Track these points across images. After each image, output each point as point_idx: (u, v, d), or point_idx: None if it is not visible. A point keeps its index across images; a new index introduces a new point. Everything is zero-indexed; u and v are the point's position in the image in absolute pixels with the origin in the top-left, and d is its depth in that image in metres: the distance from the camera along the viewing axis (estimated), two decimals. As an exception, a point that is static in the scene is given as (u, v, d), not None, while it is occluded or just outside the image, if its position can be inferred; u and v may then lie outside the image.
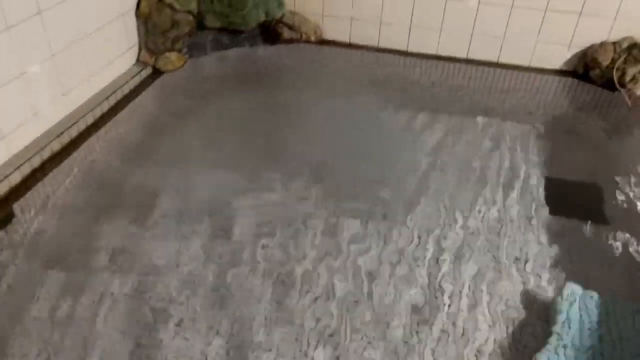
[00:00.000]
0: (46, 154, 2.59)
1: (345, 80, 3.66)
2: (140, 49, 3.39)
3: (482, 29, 3.69)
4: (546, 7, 3.50)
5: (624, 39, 3.43)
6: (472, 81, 3.68)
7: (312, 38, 3.95)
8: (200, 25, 3.67)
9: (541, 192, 2.66)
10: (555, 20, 3.52)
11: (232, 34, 3.78)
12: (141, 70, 3.34)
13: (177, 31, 3.45)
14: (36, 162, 2.54)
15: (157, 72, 3.45)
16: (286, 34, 3.89)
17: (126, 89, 3.18)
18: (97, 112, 2.95)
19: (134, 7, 3.28)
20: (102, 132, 2.91)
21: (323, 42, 4.00)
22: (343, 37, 3.99)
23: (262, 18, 3.76)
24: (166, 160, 2.76)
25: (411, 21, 3.78)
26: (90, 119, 2.89)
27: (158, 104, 3.29)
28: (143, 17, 3.31)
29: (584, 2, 3.41)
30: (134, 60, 3.39)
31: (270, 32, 3.87)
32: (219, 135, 3.02)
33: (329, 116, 3.25)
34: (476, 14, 3.64)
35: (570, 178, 2.80)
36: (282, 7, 3.84)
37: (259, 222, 2.38)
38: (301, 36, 3.94)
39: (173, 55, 3.48)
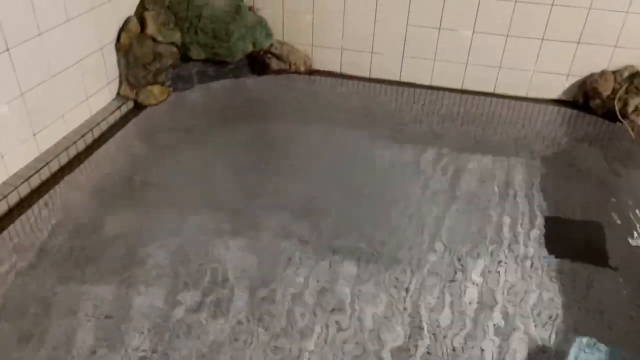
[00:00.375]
0: (13, 199, 2.41)
1: (336, 111, 3.52)
2: (120, 83, 3.24)
3: (477, 59, 3.56)
4: (543, 36, 3.38)
5: (625, 67, 3.31)
6: (467, 112, 3.54)
7: (302, 68, 3.82)
8: (184, 57, 3.53)
9: (542, 233, 2.50)
10: (552, 49, 3.40)
11: (218, 65, 3.64)
12: (121, 105, 3.19)
13: (160, 63, 3.31)
14: (2, 208, 2.36)
15: (139, 107, 3.30)
16: (274, 64, 3.75)
17: (104, 126, 3.02)
18: (72, 152, 2.78)
19: (114, 39, 3.14)
20: (77, 172, 2.74)
21: (313, 72, 3.86)
22: (333, 67, 3.86)
23: (249, 49, 3.62)
24: (149, 202, 2.59)
25: (403, 51, 3.66)
26: (64, 159, 2.72)
27: (139, 140, 3.13)
28: (123, 50, 3.17)
29: (582, 30, 3.30)
30: (113, 95, 3.23)
31: (258, 63, 3.74)
32: (204, 172, 2.86)
33: (319, 150, 3.09)
34: (470, 43, 3.52)
35: (573, 216, 2.65)
36: (269, 38, 3.71)
37: (247, 267, 2.21)
38: (290, 67, 3.80)
39: (156, 89, 3.32)
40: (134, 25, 3.20)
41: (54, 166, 2.67)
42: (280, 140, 3.18)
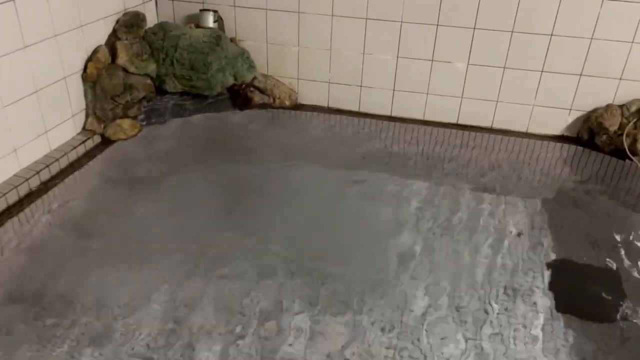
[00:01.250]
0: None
1: (323, 148, 3.25)
2: (87, 116, 2.99)
3: (473, 92, 3.33)
4: (542, 68, 3.16)
5: (632, 101, 3.07)
6: (463, 149, 3.27)
7: (287, 103, 3.59)
8: (159, 89, 3.30)
9: (548, 283, 2.19)
10: (553, 82, 3.18)
11: (196, 98, 3.40)
12: (86, 140, 2.92)
13: (131, 96, 3.07)
14: None
15: (106, 142, 3.03)
16: (257, 98, 3.52)
17: (64, 162, 2.75)
18: (23, 190, 2.49)
19: (80, 69, 2.91)
20: (27, 213, 2.44)
21: (299, 107, 3.63)
22: (321, 102, 3.62)
23: (230, 82, 3.40)
24: (109, 252, 2.26)
25: (394, 84, 3.43)
26: (12, 198, 2.43)
27: (103, 179, 2.83)
28: (90, 81, 2.93)
29: (585, 62, 3.08)
30: (79, 129, 2.97)
31: (239, 97, 3.51)
32: (174, 216, 2.55)
33: (302, 190, 2.80)
34: (465, 76, 3.29)
35: (582, 262, 2.34)
36: (252, 70, 3.49)
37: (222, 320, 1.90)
38: (274, 101, 3.57)
39: (126, 123, 3.07)
40: (103, 55, 2.98)
41: (2, 205, 2.37)
42: (262, 180, 2.89)
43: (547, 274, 2.25)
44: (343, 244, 2.42)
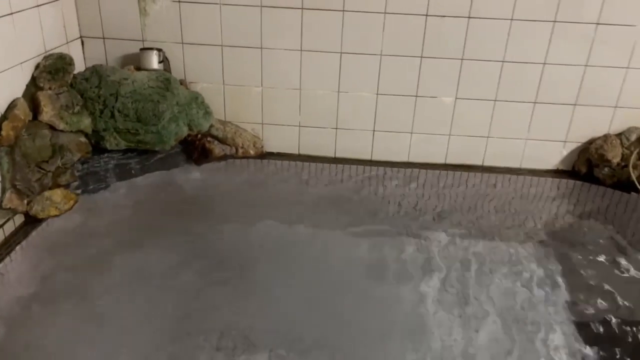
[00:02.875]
0: None
1: (296, 203, 2.75)
2: (3, 191, 2.28)
3: (462, 128, 3.01)
4: (535, 99, 2.91)
5: (629, 130, 2.89)
6: (453, 190, 2.93)
7: (252, 152, 3.07)
8: (97, 148, 2.66)
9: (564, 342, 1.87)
10: (546, 114, 2.93)
11: (142, 155, 2.79)
12: (4, 223, 2.22)
13: (63, 160, 2.41)
14: None
15: (32, 221, 2.34)
16: (218, 150, 2.97)
17: (-24, 257, 2.04)
18: None
19: (-8, 131, 2.23)
20: None
21: (265, 155, 3.12)
22: (290, 149, 3.14)
23: (185, 132, 2.83)
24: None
25: (374, 124, 3.04)
26: None
27: (29, 273, 2.15)
28: (7, 145, 2.24)
29: (579, 91, 2.86)
30: (-7, 209, 2.26)
31: (196, 150, 2.93)
32: (118, 314, 1.95)
33: (272, 260, 2.30)
34: (453, 111, 2.97)
35: (599, 316, 2.05)
36: (209, 117, 2.95)
37: None
38: (237, 151, 3.04)
39: (56, 194, 2.40)
40: (22, 111, 2.31)
41: None
42: (225, 247, 2.35)
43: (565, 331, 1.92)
44: (344, 320, 1.95)
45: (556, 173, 3.07)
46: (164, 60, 2.88)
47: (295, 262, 2.29)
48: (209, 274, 2.17)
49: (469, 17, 2.75)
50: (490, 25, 2.74)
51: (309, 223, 2.56)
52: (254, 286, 2.13)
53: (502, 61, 2.82)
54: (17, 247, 2.19)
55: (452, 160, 3.10)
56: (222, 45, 2.90)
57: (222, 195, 2.81)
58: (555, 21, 2.71)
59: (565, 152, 3.03)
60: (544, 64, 2.81)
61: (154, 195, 2.76)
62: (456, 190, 2.94)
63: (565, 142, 3.01)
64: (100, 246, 2.30)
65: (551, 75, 2.84)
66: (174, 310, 1.98)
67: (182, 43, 2.91)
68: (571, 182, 3.01)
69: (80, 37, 2.91)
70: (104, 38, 2.93)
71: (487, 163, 3.10)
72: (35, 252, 2.22)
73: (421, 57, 2.85)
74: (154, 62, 2.84)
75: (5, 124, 2.22)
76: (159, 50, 2.85)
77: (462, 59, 2.84)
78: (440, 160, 3.10)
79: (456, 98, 2.93)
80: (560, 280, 2.23)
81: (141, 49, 2.85)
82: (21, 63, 2.39)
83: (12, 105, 2.30)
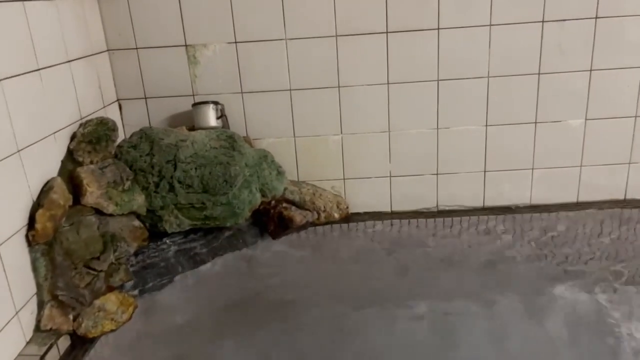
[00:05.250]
0: None
1: (409, 278, 2.12)
2: (40, 307, 1.66)
3: (596, 156, 2.42)
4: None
5: None
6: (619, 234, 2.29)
7: (336, 215, 2.46)
8: (152, 232, 2.06)
9: None
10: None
11: (208, 234, 2.19)
12: (46, 352, 1.58)
13: (116, 254, 1.80)
14: None
15: (82, 342, 1.70)
16: (299, 217, 2.36)
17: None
18: None
19: (22, 226, 1.63)
20: None
21: (351, 217, 2.51)
22: (380, 206, 2.54)
23: (259, 201, 2.23)
24: None
25: (485, 163, 2.45)
26: None
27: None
28: (43, 242, 1.65)
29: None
30: (29, 333, 1.63)
31: (272, 220, 2.33)
32: None
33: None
34: (584, 137, 2.38)
35: None
36: (281, 178, 2.37)
37: None
38: (319, 216, 2.43)
39: (111, 302, 1.77)
40: (62, 195, 1.73)
41: None
42: (329, 349, 1.71)
43: None
44: None
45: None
46: (222, 116, 2.34)
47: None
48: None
49: (596, 18, 2.22)
50: (625, 24, 2.21)
51: (422, 306, 1.91)
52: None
53: (642, 67, 2.27)
54: (66, 386, 1.54)
55: (585, 196, 2.48)
56: (290, 90, 2.37)
57: (311, 276, 2.18)
58: None
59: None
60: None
61: (227, 285, 2.13)
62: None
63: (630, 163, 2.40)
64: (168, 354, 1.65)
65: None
66: None
67: (242, 92, 2.38)
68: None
69: (117, 99, 2.39)
70: (145, 98, 2.40)
71: (630, 195, 2.47)
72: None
73: (538, 73, 2.30)
74: (210, 118, 2.29)
75: (40, 214, 1.62)
76: (216, 103, 2.31)
77: (590, 70, 2.29)
78: (571, 198, 2.48)
79: (586, 119, 2.36)
80: None
81: (194, 105, 2.32)
82: (54, 133, 1.84)
83: (46, 189, 1.72)
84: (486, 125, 2.39)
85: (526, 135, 2.39)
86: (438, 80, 2.33)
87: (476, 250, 2.26)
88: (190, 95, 2.38)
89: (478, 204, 2.51)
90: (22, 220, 1.62)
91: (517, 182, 2.47)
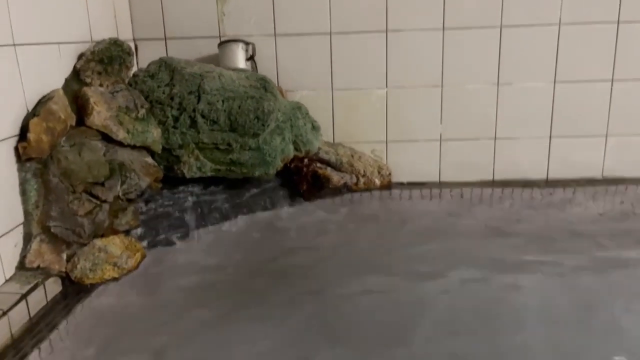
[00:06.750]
0: None
1: (452, 252, 1.76)
2: (27, 239, 1.33)
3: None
4: None
5: None
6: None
7: (377, 182, 2.13)
8: (169, 176, 1.73)
9: None
10: None
11: (232, 189, 1.86)
12: (29, 292, 1.24)
13: (124, 186, 1.47)
14: None
15: (75, 290, 1.36)
16: (336, 177, 2.03)
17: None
18: None
19: (13, 135, 1.31)
20: None
21: (393, 186, 2.17)
22: (427, 175, 2.21)
23: (292, 153, 1.91)
24: None
25: (551, 128, 2.13)
26: None
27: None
28: (36, 157, 1.32)
29: None
30: (11, 269, 1.29)
31: (304, 178, 1.99)
32: None
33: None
34: (666, 98, 2.07)
35: None
36: (317, 134, 2.05)
37: None
38: (358, 181, 2.10)
39: (114, 244, 1.43)
40: (62, 108, 1.41)
41: None
42: (359, 332, 1.34)
43: None
44: None
45: None
46: (252, 57, 2.04)
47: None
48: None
49: (688, -43, 1.93)
50: None
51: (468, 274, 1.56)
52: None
53: None
54: (52, 333, 1.19)
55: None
56: (330, 33, 2.07)
57: (348, 245, 1.83)
58: None
59: None
60: None
61: (250, 249, 1.78)
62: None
63: None
64: (175, 322, 1.29)
65: None
66: None
67: (275, 35, 2.09)
68: None
69: (134, 39, 2.11)
70: (165, 39, 2.11)
71: None
72: (80, 346, 1.21)
73: (617, 22, 2.00)
74: (239, 59, 2.00)
75: (34, 123, 1.31)
76: (246, 42, 2.02)
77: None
78: (648, 172, 2.15)
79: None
80: None
81: (220, 44, 2.02)
82: (59, 43, 1.54)
83: (44, 100, 1.40)
84: (554, 82, 2.08)
85: (600, 94, 2.08)
86: (501, 27, 2.03)
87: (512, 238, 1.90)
88: (216, 37, 2.09)
89: (541, 175, 2.18)
90: (12, 128, 1.31)
91: (587, 151, 2.14)
